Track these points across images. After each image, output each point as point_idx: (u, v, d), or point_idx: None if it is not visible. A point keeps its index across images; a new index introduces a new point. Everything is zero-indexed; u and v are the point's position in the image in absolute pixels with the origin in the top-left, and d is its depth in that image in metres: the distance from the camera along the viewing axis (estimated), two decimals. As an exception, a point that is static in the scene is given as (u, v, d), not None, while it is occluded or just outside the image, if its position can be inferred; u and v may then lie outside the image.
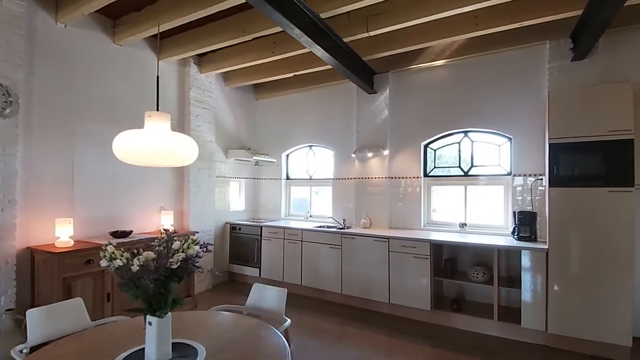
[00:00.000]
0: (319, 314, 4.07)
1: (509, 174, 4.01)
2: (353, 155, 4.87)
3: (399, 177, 4.66)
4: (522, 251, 3.31)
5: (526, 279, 3.28)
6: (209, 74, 4.77)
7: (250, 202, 5.89)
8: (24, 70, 3.05)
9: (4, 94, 2.86)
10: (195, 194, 4.67)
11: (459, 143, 4.40)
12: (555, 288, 3.13)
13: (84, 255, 3.09)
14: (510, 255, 3.74)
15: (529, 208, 3.76)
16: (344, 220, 4.87)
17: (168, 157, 2.04)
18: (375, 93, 4.74)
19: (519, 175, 3.87)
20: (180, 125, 4.59)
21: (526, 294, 3.27)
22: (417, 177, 4.54)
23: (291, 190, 5.82)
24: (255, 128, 6.02)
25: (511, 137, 3.96)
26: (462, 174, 4.36)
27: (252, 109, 5.96)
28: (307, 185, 5.66)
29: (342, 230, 4.38)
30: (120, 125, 3.89)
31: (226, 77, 5.34)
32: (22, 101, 3.00)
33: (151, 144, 1.94)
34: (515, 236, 3.66)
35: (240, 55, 4.34)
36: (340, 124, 5.16)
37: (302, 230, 4.63)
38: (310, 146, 5.62)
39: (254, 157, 5.19)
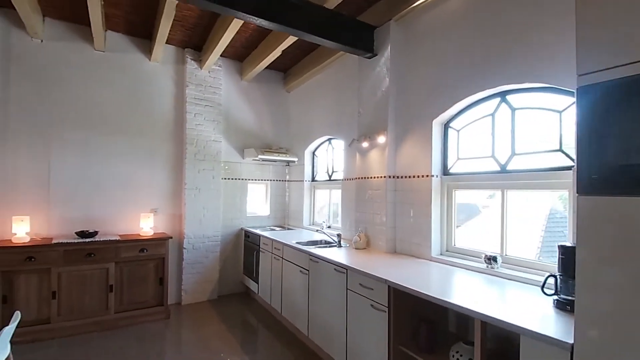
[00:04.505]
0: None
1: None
2: (350, 147, 3.54)
3: (404, 177, 3.07)
4: (522, 337, 1.45)
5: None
6: (209, 67, 4.42)
7: (279, 207, 5.23)
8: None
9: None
10: (192, 196, 4.39)
11: (492, 115, 2.52)
12: None
13: (22, 252, 3.23)
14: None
15: (601, 240, 1.70)
16: (339, 235, 3.57)
17: None
18: (376, 55, 3.30)
19: (591, 169, 1.81)
20: (178, 125, 4.43)
21: None
22: (428, 176, 2.86)
23: (316, 193, 4.82)
24: (287, 124, 5.32)
25: (575, 90, 1.92)
26: (498, 169, 2.46)
27: (282, 103, 5.28)
28: (326, 188, 4.56)
29: (309, 250, 3.18)
30: (105, 130, 4.06)
31: (241, 70, 4.89)
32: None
33: None
34: (555, 296, 1.71)
35: (219, 35, 3.80)
36: (349, 106, 3.89)
37: (284, 245, 3.66)
38: (330, 139, 4.50)
39: (260, 157, 4.51)
